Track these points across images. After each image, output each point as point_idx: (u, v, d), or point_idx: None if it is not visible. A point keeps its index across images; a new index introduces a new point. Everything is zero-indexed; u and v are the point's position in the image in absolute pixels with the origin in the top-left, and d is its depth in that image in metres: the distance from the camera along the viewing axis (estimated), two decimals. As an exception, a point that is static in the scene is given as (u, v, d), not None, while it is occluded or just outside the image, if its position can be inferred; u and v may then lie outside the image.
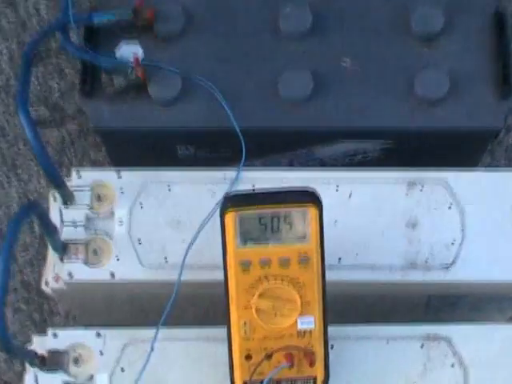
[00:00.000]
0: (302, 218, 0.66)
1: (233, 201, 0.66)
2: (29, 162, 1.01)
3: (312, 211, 0.66)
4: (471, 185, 0.78)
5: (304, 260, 0.66)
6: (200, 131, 0.86)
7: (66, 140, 1.02)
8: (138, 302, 0.81)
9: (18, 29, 1.06)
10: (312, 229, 0.66)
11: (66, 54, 1.04)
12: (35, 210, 0.71)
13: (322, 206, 0.66)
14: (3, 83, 1.04)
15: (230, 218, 0.66)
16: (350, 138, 0.87)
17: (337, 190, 0.78)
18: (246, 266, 0.66)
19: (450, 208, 0.78)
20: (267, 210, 0.66)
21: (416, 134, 0.86)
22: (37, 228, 0.99)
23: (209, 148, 0.90)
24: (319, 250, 0.67)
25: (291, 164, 0.92)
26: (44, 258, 0.92)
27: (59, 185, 0.76)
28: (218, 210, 0.67)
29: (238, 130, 0.81)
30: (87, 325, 0.77)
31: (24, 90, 0.74)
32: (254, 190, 0.71)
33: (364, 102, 0.85)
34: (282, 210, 0.66)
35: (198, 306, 0.78)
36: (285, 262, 0.66)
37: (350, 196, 0.78)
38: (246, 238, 0.66)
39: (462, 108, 0.85)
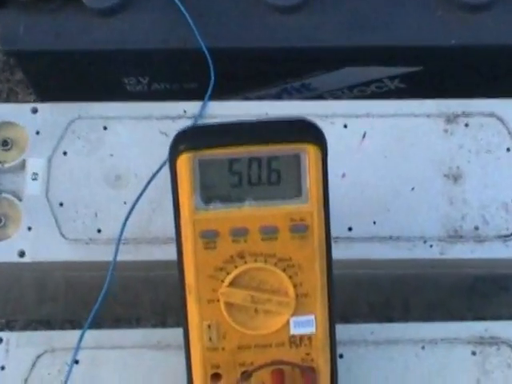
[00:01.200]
0: (296, 164, 0.45)
1: (189, 137, 0.46)
2: None
3: (311, 153, 0.45)
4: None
5: (299, 229, 0.46)
6: (153, 53, 0.69)
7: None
8: (58, 291, 0.60)
9: None
10: (311, 180, 0.46)
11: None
12: None
13: (326, 146, 0.46)
14: None
15: (185, 163, 0.45)
16: (359, 61, 0.70)
17: (345, 127, 0.60)
18: (210, 237, 0.46)
19: (508, 151, 0.60)
20: (242, 151, 0.45)
21: (449, 54, 0.70)
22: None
23: (167, 78, 0.72)
24: (323, 214, 0.46)
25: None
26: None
27: None
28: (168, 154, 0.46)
29: (204, 49, 0.63)
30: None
31: None
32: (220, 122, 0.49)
33: (377, 11, 0.70)
34: (265, 150, 0.45)
35: (144, 298, 0.58)
36: (270, 233, 0.46)
37: (363, 137, 0.60)
38: (209, 195, 0.46)
39: (509, 16, 0.69)
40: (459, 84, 0.70)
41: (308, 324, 0.48)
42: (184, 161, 0.45)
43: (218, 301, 0.47)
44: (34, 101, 0.78)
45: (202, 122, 0.61)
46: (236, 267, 0.46)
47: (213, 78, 0.61)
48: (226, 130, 0.46)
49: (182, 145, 0.45)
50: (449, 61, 0.71)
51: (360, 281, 0.58)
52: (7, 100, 0.84)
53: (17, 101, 0.84)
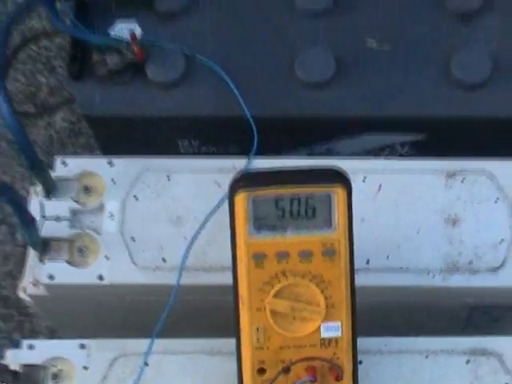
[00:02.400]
0: (328, 202, 0.56)
1: (245, 180, 0.56)
2: (12, 163, 0.92)
3: (339, 193, 0.56)
4: (520, 175, 0.70)
5: (329, 253, 0.56)
6: (205, 120, 0.79)
7: (54, 140, 0.93)
8: (130, 309, 0.70)
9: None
10: (339, 214, 0.56)
11: (57, 48, 0.95)
12: (8, 193, 0.61)
13: (351, 188, 0.56)
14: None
15: (242, 200, 0.55)
16: (376, 129, 0.80)
17: (364, 182, 0.69)
18: (259, 259, 0.56)
19: (496, 202, 0.69)
20: (286, 192, 0.56)
21: (452, 124, 0.79)
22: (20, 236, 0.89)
23: (215, 142, 0.82)
24: (347, 241, 0.56)
25: (308, 161, 0.83)
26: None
27: (40, 172, 0.67)
28: (227, 193, 0.57)
29: (249, 117, 0.73)
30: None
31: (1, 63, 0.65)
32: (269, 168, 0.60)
33: (392, 88, 0.79)
34: (303, 191, 0.56)
35: (200, 315, 0.68)
36: (306, 255, 0.56)
37: (379, 188, 0.69)
38: (260, 225, 0.56)
39: (506, 93, 0.79)
40: (457, 150, 0.75)
41: (335, 329, 0.58)
42: (241, 198, 0.55)
43: (265, 309, 0.57)
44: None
45: None
46: (279, 282, 0.56)
47: (256, 138, 0.71)
48: (272, 174, 0.57)
49: (239, 186, 0.56)
50: (449, 130, 0.80)
51: (375, 305, 0.67)
52: None
53: None
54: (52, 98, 0.95)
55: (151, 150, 0.79)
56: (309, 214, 0.56)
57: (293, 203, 0.56)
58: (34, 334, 0.88)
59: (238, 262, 0.57)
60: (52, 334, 0.87)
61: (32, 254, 0.69)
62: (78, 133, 0.94)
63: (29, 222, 0.65)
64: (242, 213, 0.55)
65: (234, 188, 0.56)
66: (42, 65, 0.96)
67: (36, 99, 0.94)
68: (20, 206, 0.63)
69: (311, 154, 0.82)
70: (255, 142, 0.71)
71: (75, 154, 0.93)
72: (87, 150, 0.94)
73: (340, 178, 0.56)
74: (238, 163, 0.70)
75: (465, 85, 0.78)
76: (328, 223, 0.56)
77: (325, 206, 0.56)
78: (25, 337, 0.88)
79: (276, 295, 0.56)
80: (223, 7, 0.81)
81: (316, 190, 0.56)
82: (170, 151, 0.82)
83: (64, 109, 0.92)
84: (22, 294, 0.70)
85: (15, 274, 0.89)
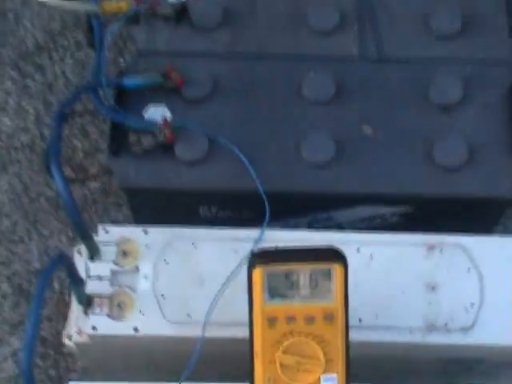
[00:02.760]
0: (328, 276, 0.68)
1: (261, 257, 0.69)
2: (50, 218, 1.03)
3: (337, 269, 0.68)
4: (489, 249, 0.80)
5: (329, 318, 0.68)
6: (224, 192, 0.89)
7: (88, 198, 1.04)
8: (159, 357, 0.81)
9: (45, 90, 1.10)
10: (337, 287, 0.68)
11: (90, 116, 1.07)
12: (64, 261, 0.73)
13: (347, 265, 0.68)
14: (29, 141, 1.07)
15: (258, 273, 0.67)
16: (370, 203, 0.90)
17: (358, 252, 0.80)
18: (272, 321, 0.68)
19: (468, 271, 0.80)
20: (294, 268, 0.68)
21: (434, 201, 0.88)
22: (56, 283, 1.00)
23: (231, 209, 0.92)
24: (344, 309, 0.68)
25: (310, 227, 0.94)
26: (62, 314, 0.94)
27: (86, 239, 0.78)
28: (245, 267, 0.69)
29: (262, 192, 0.83)
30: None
31: (56, 145, 0.77)
32: (281, 247, 0.72)
33: (384, 168, 0.88)
34: (308, 267, 0.68)
35: (218, 365, 0.79)
36: (310, 319, 0.68)
37: (371, 258, 0.80)
38: (272, 294, 0.68)
39: (480, 176, 0.87)
40: (438, 221, 0.87)
41: (333, 380, 0.68)
42: (257, 272, 0.67)
43: (275, 362, 0.67)
44: (129, 221, 0.99)
45: (260, 244, 0.79)
46: (287, 340, 0.67)
47: (268, 213, 0.81)
48: (283, 253, 0.69)
49: (256, 262, 0.67)
50: (431, 205, 0.88)
51: (366, 358, 0.75)
52: (102, 217, 1.04)
53: (110, 218, 1.04)
54: (86, 160, 1.07)
55: (176, 215, 0.89)
56: (312, 286, 0.68)
57: (299, 277, 0.68)
58: (68, 372, 0.99)
59: (254, 323, 0.68)
60: (85, 373, 0.98)
61: (76, 307, 0.79)
62: (109, 192, 1.06)
63: (78, 282, 0.78)
64: (259, 284, 0.67)
65: (252, 263, 0.68)
66: (77, 130, 1.08)
67: (72, 162, 1.06)
68: (72, 270, 0.76)
69: (313, 221, 0.92)
70: (267, 215, 0.81)
71: (105, 211, 1.05)
72: (116, 208, 1.05)
73: (338, 257, 0.68)
74: (253, 233, 0.80)
75: (445, 168, 0.86)
76: (328, 294, 0.68)
77: (326, 280, 0.68)
78: (60, 374, 1.00)
79: (284, 351, 0.67)
80: (241, 95, 0.90)
81: (319, 267, 0.68)
82: (192, 215, 0.91)
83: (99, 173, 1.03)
84: (66, 341, 0.80)
85: (52, 318, 0.99)
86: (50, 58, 1.12)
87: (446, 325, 0.78)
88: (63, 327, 0.91)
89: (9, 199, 1.04)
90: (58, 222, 1.03)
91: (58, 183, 0.73)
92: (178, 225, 0.82)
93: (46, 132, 1.07)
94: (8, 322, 0.98)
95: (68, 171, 1.04)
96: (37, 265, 1.01)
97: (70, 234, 1.02)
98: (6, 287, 1.00)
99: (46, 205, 1.04)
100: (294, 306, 0.68)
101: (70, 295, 0.93)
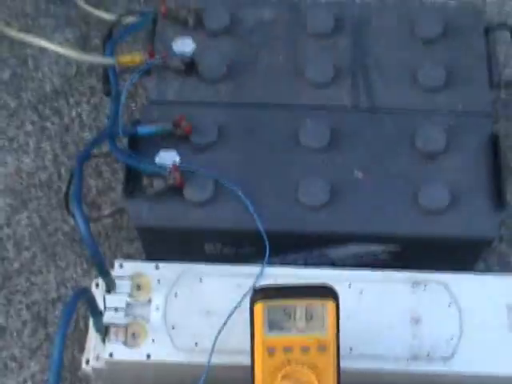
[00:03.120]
0: (322, 311, 0.76)
1: (262, 293, 0.77)
2: (66, 251, 1.11)
3: (330, 305, 0.76)
4: (468, 286, 0.88)
5: (322, 348, 0.76)
6: (228, 231, 0.96)
7: (101, 234, 1.11)
8: (168, 382, 0.89)
9: (62, 131, 1.18)
10: (330, 321, 0.76)
11: (103, 157, 1.15)
12: (86, 294, 0.81)
13: (338, 301, 0.76)
14: (46, 179, 1.15)
15: (259, 308, 0.76)
16: (361, 241, 0.97)
17: (349, 287, 0.88)
18: (271, 351, 0.76)
19: (449, 306, 0.87)
20: (291, 303, 0.76)
21: (419, 240, 0.95)
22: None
23: (234, 246, 0.99)
24: (335, 340, 0.77)
25: (306, 262, 1.00)
26: (78, 340, 1.02)
27: (104, 273, 0.86)
28: (247, 301, 0.77)
29: (262, 231, 0.91)
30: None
31: (78, 187, 0.86)
32: (279, 284, 0.80)
33: (374, 210, 0.95)
34: (304, 303, 0.76)
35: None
36: (305, 350, 0.76)
37: (361, 293, 0.88)
38: (272, 326, 0.76)
39: (461, 218, 0.94)
40: (423, 258, 0.94)
41: None
42: (258, 307, 0.75)
43: None
44: (140, 255, 1.06)
45: (261, 279, 0.87)
46: (285, 368, 0.75)
47: (268, 251, 0.89)
48: (281, 290, 0.77)
49: (257, 298, 0.76)
50: (416, 244, 0.95)
51: None
52: (115, 251, 1.09)
53: (122, 253, 1.10)
54: (100, 198, 1.15)
55: (183, 250, 0.97)
56: (308, 319, 0.76)
57: (296, 311, 0.76)
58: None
59: (256, 352, 0.76)
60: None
61: (94, 335, 0.88)
62: (121, 227, 1.13)
63: (96, 313, 0.86)
64: (259, 318, 0.76)
65: (254, 299, 0.76)
66: (91, 170, 1.16)
67: (87, 199, 1.14)
68: (93, 303, 0.84)
69: (309, 257, 0.98)
70: (267, 252, 0.89)
71: (117, 245, 1.13)
72: (127, 242, 1.12)
73: (331, 294, 0.76)
74: (254, 270, 0.89)
75: (429, 210, 0.93)
76: (322, 326, 0.76)
77: (320, 314, 0.76)
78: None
79: (282, 378, 0.76)
80: (243, 142, 0.98)
81: (313, 303, 0.76)
82: (198, 251, 0.98)
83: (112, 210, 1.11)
84: (84, 365, 0.89)
85: (68, 344, 1.07)
86: (67, 102, 1.20)
87: (428, 355, 0.85)
88: (78, 352, 0.99)
89: (28, 233, 1.11)
90: (74, 255, 1.10)
91: (80, 225, 0.82)
92: (187, 261, 0.90)
93: (63, 170, 1.15)
94: (27, 347, 1.05)
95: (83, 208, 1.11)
96: (54, 294, 1.08)
97: (85, 265, 1.09)
98: (25, 315, 1.07)
99: (63, 239, 1.11)
100: (291, 337, 0.76)
101: (85, 323, 1.02)
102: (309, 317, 0.76)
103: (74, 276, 1.10)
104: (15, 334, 1.06)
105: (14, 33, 1.06)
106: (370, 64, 1.04)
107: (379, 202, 0.96)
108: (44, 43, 1.03)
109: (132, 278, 0.89)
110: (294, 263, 0.99)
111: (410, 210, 0.95)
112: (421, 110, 1.01)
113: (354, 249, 0.98)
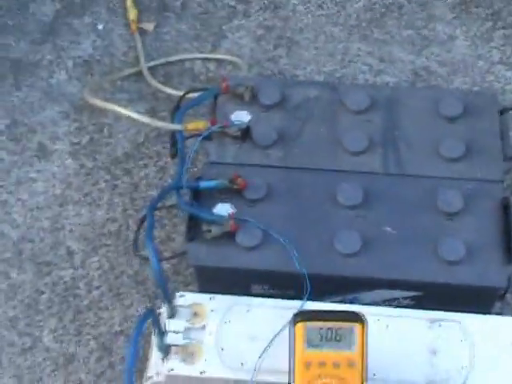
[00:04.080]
0: (351, 332, 0.90)
1: (302, 315, 0.91)
2: (131, 292, 1.26)
3: (359, 327, 0.90)
4: (479, 325, 1.01)
5: (352, 364, 0.89)
6: (272, 273, 1.10)
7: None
8: None
9: (131, 189, 1.35)
10: (358, 341, 0.90)
11: (166, 210, 1.31)
12: (153, 315, 0.97)
13: (366, 324, 0.90)
14: (116, 229, 1.31)
15: (300, 328, 0.90)
16: (388, 287, 1.10)
17: (378, 321, 1.00)
18: (308, 365, 0.90)
19: (461, 341, 0.99)
20: (325, 324, 0.90)
21: (438, 288, 1.07)
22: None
23: (277, 287, 1.13)
24: (363, 358, 0.90)
25: (340, 305, 1.15)
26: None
27: (168, 301, 1.02)
28: (288, 324, 0.92)
29: (305, 274, 1.05)
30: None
31: (150, 231, 1.02)
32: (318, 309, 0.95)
33: (399, 260, 1.07)
34: (336, 324, 0.90)
35: None
36: (337, 365, 0.89)
37: (387, 327, 1.00)
38: (309, 344, 0.90)
39: (475, 270, 1.06)
40: (441, 303, 1.04)
41: None
42: (299, 327, 0.89)
43: None
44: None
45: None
46: (320, 380, 0.89)
47: (309, 290, 1.02)
48: (318, 313, 0.91)
49: (299, 319, 0.89)
50: (436, 291, 1.07)
51: None
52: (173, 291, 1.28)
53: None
54: (161, 246, 1.30)
55: (233, 289, 1.10)
56: (338, 339, 0.89)
57: (329, 331, 0.89)
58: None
59: (296, 366, 0.89)
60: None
61: (156, 353, 1.02)
62: (178, 272, 1.27)
63: (161, 333, 1.01)
64: (300, 336, 0.89)
65: (295, 320, 0.90)
66: (156, 222, 1.32)
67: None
68: (158, 324, 0.99)
69: (342, 301, 1.10)
70: (308, 290, 1.03)
71: (175, 288, 1.26)
72: (184, 286, 1.25)
73: (359, 318, 0.90)
74: (296, 304, 1.02)
75: (447, 261, 1.05)
76: (351, 345, 0.89)
77: (349, 335, 0.89)
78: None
79: None
80: (289, 198, 1.13)
81: (344, 325, 0.89)
82: (245, 291, 1.10)
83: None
84: (146, 380, 1.03)
85: None
86: (136, 164, 1.37)
87: (442, 382, 0.98)
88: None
89: (98, 275, 1.27)
90: (137, 295, 1.25)
91: (153, 262, 0.97)
92: (236, 295, 1.05)
93: (131, 222, 1.31)
94: (92, 373, 1.19)
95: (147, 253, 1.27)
96: (118, 328, 1.22)
97: (148, 304, 1.24)
98: (92, 344, 1.21)
99: (128, 281, 1.26)
100: (325, 353, 0.90)
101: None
102: (339, 337, 0.90)
103: (136, 313, 1.25)
104: (82, 360, 1.21)
105: (97, 101, 1.25)
106: (400, 137, 1.19)
107: (404, 253, 1.08)
108: (121, 110, 1.22)
109: (190, 306, 1.04)
110: (330, 304, 1.12)
111: (431, 260, 1.07)
112: (442, 177, 1.15)
113: (381, 294, 1.11)
